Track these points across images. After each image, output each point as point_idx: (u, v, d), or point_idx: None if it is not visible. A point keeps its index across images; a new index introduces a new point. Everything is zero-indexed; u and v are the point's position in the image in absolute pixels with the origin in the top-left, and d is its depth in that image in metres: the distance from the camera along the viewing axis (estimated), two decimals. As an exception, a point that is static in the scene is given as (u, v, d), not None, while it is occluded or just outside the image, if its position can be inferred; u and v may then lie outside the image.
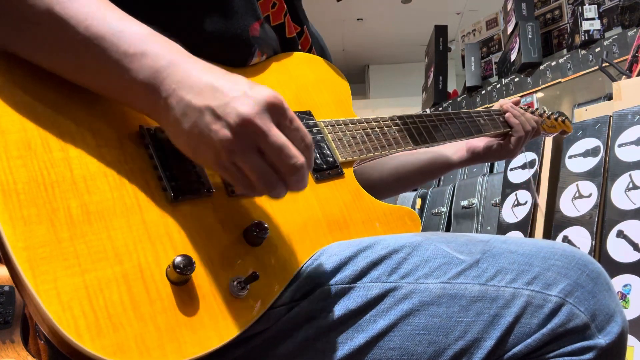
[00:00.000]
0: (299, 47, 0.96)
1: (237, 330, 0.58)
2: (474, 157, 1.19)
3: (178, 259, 0.55)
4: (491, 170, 2.70)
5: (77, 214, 0.54)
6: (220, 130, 0.54)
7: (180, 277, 0.56)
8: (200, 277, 0.58)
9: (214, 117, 0.55)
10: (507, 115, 1.19)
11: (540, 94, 3.17)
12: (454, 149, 1.19)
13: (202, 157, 0.57)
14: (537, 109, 1.29)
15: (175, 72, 0.57)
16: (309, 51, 1.00)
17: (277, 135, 0.55)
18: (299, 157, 0.56)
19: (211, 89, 0.56)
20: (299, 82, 0.87)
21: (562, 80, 3.01)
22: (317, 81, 0.90)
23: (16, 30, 0.57)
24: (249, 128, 0.54)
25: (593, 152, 1.81)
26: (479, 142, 1.18)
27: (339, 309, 0.64)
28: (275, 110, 0.56)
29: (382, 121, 0.92)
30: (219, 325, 0.57)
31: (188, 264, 0.55)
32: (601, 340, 0.61)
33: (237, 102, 0.55)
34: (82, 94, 0.60)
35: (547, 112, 1.32)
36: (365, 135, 0.87)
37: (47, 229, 0.52)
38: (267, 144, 0.55)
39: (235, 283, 0.60)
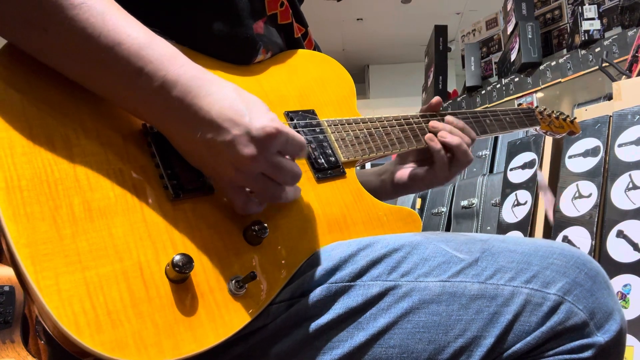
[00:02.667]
0: (304, 48, 0.96)
1: (234, 328, 0.59)
2: (399, 189, 1.03)
3: (177, 258, 0.56)
4: (491, 170, 2.70)
5: (79, 212, 0.55)
6: (226, 171, 0.61)
7: (179, 275, 0.56)
8: (199, 276, 0.59)
9: (214, 154, 0.60)
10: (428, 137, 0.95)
11: (540, 94, 3.17)
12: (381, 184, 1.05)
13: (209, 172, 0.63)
14: (545, 109, 1.28)
15: (169, 98, 0.59)
16: None
17: (281, 168, 0.62)
18: (298, 173, 0.64)
19: (212, 124, 0.59)
20: (303, 80, 0.87)
21: (562, 80, 3.01)
22: (321, 79, 0.90)
23: (24, 32, 0.57)
24: (254, 169, 0.60)
25: (593, 152, 1.81)
26: (403, 173, 1.02)
27: (339, 307, 0.64)
28: (277, 141, 0.60)
29: (386, 120, 0.92)
30: (216, 323, 0.58)
31: (187, 262, 0.56)
32: (600, 338, 0.61)
33: (239, 144, 0.59)
34: (86, 93, 0.61)
35: (555, 112, 1.31)
36: (368, 135, 0.87)
37: (49, 226, 0.53)
38: (274, 175, 0.63)
39: (233, 282, 0.60)
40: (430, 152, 0.95)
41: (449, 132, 0.95)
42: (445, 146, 0.94)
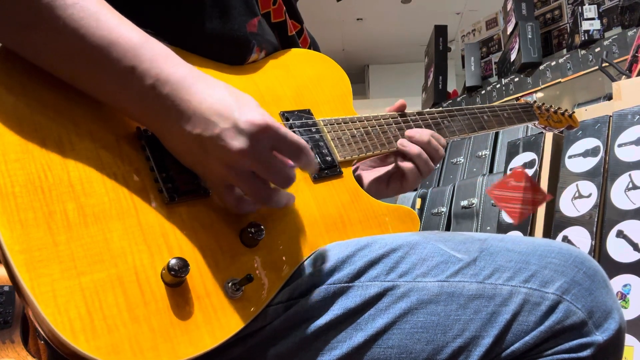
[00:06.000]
0: (299, 46, 0.95)
1: (231, 331, 0.59)
2: None
3: (173, 262, 0.56)
4: (491, 170, 2.70)
5: (73, 217, 0.54)
6: (216, 168, 0.60)
7: (175, 279, 0.56)
8: (195, 279, 0.59)
9: (204, 150, 0.59)
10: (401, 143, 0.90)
11: (540, 94, 3.17)
12: None
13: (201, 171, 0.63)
14: (543, 104, 1.28)
15: (160, 96, 0.59)
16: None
17: (272, 168, 0.61)
18: (290, 176, 0.63)
19: (201, 119, 0.59)
20: (299, 79, 0.87)
21: (562, 80, 3.01)
22: (316, 78, 0.89)
23: (17, 35, 0.57)
24: (244, 164, 0.59)
25: (593, 152, 1.81)
26: (369, 181, 0.98)
27: (337, 308, 0.64)
28: (267, 136, 0.59)
29: (383, 119, 0.91)
30: (213, 326, 0.58)
31: (182, 266, 0.56)
32: (599, 337, 0.61)
33: (227, 137, 0.58)
34: (80, 96, 0.61)
35: (553, 107, 1.31)
36: (364, 134, 0.87)
37: (43, 232, 0.52)
38: (265, 175, 0.61)
39: (229, 285, 0.60)
40: (403, 168, 0.90)
41: (411, 141, 0.90)
42: (407, 156, 0.90)
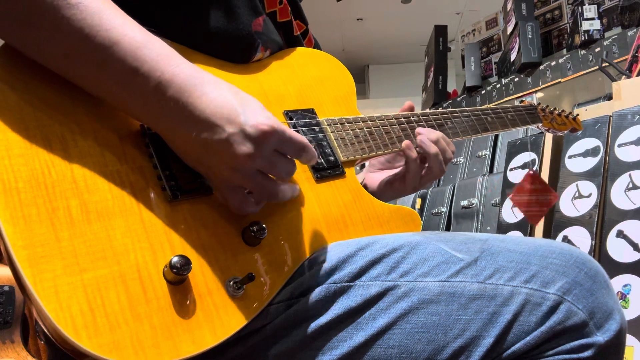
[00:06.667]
0: (304, 46, 0.95)
1: (232, 329, 0.59)
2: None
3: (175, 259, 0.56)
4: (491, 170, 2.70)
5: (76, 214, 0.55)
6: (222, 171, 0.61)
7: (176, 277, 0.56)
8: (197, 277, 0.59)
9: (209, 153, 0.60)
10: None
11: (540, 94, 3.17)
12: None
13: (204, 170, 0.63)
14: (547, 106, 1.27)
15: (164, 98, 0.59)
16: None
17: (276, 164, 0.62)
18: (292, 169, 0.64)
19: (207, 124, 0.59)
20: (303, 78, 0.87)
21: (562, 80, 3.00)
22: (320, 77, 0.90)
23: (20, 32, 0.57)
24: (250, 167, 0.60)
25: (593, 152, 1.81)
26: (373, 181, 1.00)
27: (338, 307, 0.64)
28: (273, 139, 0.60)
29: (386, 119, 0.91)
30: (214, 324, 0.58)
31: (185, 264, 0.56)
32: (600, 337, 0.61)
33: (235, 143, 0.59)
34: (83, 94, 0.61)
35: (557, 109, 1.31)
36: (368, 134, 0.87)
37: (46, 228, 0.53)
38: (270, 172, 0.63)
39: (231, 283, 0.60)
40: (406, 160, 0.91)
41: (431, 140, 0.90)
42: (421, 154, 0.90)
